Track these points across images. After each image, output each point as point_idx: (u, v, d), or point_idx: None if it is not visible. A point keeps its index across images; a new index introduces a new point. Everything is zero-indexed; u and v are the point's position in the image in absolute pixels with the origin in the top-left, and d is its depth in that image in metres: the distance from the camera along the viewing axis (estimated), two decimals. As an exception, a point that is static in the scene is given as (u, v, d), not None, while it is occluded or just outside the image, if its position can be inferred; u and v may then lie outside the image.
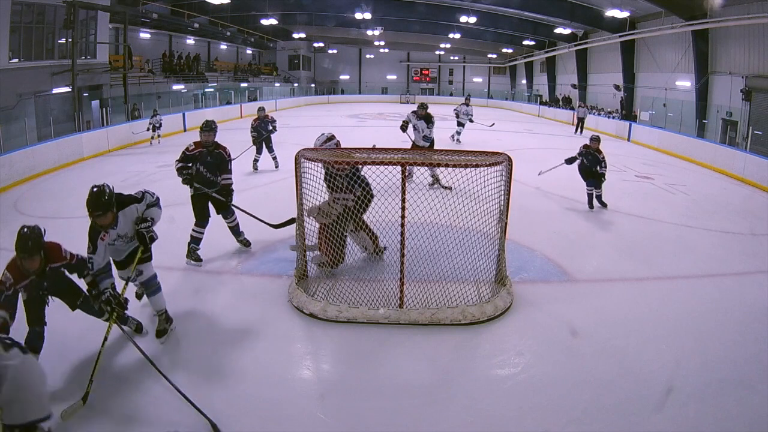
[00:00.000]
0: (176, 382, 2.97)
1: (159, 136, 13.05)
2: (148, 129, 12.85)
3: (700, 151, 11.86)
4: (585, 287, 4.46)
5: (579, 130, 16.86)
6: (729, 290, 4.50)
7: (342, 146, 4.68)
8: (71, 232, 5.61)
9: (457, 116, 12.86)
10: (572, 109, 21.52)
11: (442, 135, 12.66)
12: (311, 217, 4.27)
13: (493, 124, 14.48)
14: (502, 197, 3.99)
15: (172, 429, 2.57)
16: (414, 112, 7.64)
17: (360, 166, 4.19)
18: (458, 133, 12.92)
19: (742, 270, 4.97)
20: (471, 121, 12.95)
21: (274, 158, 9.33)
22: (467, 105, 13.06)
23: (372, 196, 4.26)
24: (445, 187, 6.40)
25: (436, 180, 7.32)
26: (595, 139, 6.85)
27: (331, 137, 4.65)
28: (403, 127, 7.58)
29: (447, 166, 3.86)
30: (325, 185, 4.27)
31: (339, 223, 4.20)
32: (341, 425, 2.69)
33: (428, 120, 7.51)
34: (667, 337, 3.58)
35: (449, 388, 3.00)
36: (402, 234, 3.65)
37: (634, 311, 3.99)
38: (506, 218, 4.05)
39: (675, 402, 2.85)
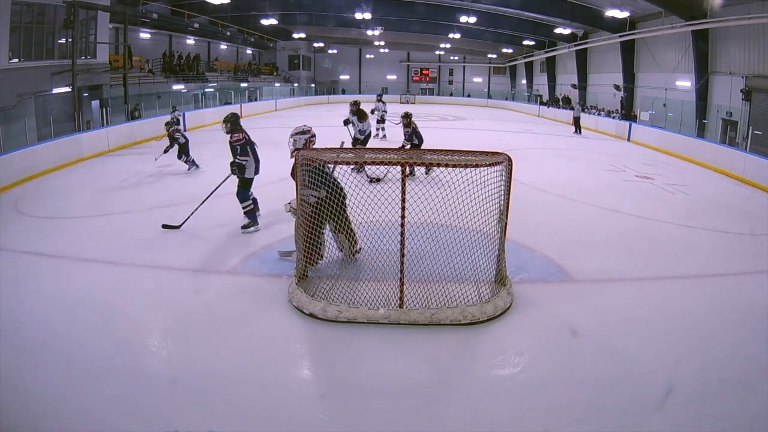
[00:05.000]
0: (176, 381, 2.98)
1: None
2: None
3: (700, 151, 11.86)
4: (585, 287, 4.46)
5: (578, 129, 16.89)
6: (729, 290, 4.49)
7: (315, 143, 4.74)
8: (71, 232, 5.66)
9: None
10: (572, 109, 21.53)
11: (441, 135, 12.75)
12: (289, 212, 4.27)
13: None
14: (502, 197, 3.98)
15: (172, 429, 2.57)
16: (351, 110, 9.04)
17: (330, 167, 4.14)
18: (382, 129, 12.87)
19: (742, 270, 4.97)
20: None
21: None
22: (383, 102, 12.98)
23: (342, 199, 4.13)
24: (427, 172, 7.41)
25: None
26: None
27: (305, 131, 4.73)
28: (345, 122, 9.06)
29: (447, 166, 3.85)
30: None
31: (311, 221, 4.15)
32: (341, 425, 2.69)
33: (360, 116, 8.85)
34: (667, 337, 3.58)
35: (449, 388, 3.00)
36: (402, 234, 3.65)
37: (634, 311, 3.98)
38: (506, 218, 4.05)
39: (675, 402, 2.84)
